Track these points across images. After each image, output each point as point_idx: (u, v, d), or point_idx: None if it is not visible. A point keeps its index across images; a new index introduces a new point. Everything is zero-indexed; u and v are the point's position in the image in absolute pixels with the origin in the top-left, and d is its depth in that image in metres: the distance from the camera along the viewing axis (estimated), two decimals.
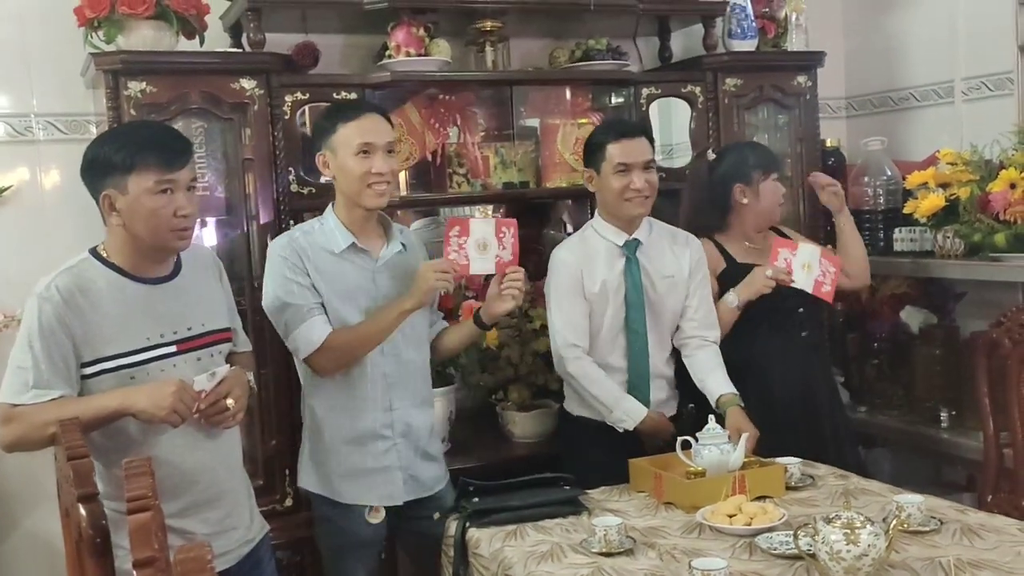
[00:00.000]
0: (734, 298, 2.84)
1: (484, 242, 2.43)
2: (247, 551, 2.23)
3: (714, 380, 2.74)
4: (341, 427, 2.44)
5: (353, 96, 2.89)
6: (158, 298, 2.10)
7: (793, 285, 2.80)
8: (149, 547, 1.38)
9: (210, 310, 2.20)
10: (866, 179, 3.49)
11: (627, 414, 2.69)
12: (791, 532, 2.01)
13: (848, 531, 1.77)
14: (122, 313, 2.04)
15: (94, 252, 2.10)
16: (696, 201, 3.06)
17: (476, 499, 2.36)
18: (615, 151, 2.68)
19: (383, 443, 2.46)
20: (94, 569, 1.63)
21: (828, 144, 3.59)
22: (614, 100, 3.41)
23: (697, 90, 3.31)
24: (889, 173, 3.47)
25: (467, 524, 2.27)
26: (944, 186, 3.15)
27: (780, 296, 2.84)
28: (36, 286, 2.04)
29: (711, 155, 3.07)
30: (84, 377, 2.03)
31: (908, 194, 3.36)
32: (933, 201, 3.11)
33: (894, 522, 1.85)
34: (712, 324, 2.83)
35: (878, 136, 3.57)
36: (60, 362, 2.00)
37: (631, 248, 2.76)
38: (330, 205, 2.49)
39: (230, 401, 2.10)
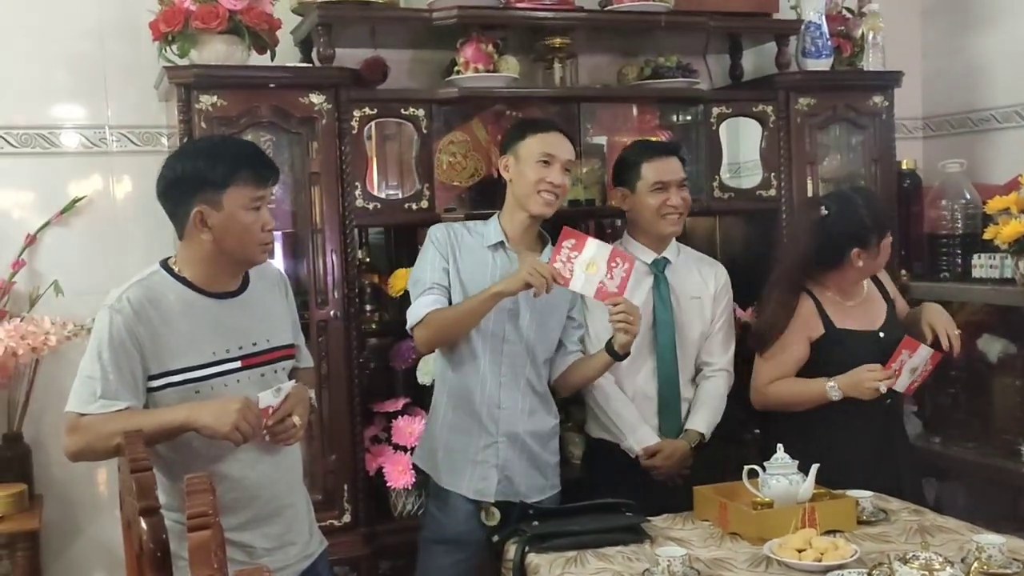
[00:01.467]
0: (837, 393, 2.62)
1: (595, 264, 2.40)
2: (305, 566, 2.23)
3: (695, 413, 2.78)
4: (453, 414, 2.55)
5: (421, 112, 2.89)
6: (225, 313, 2.12)
7: (896, 388, 2.64)
8: (209, 566, 1.37)
9: (275, 326, 2.22)
10: (944, 202, 3.37)
11: (638, 442, 2.69)
12: (864, 571, 1.94)
13: (927, 573, 1.70)
14: (190, 327, 2.06)
15: (165, 265, 2.13)
16: (802, 257, 2.77)
17: (536, 523, 2.32)
18: (651, 170, 2.72)
19: (486, 438, 2.53)
20: None
21: (904, 166, 3.49)
22: (683, 118, 3.35)
23: (769, 109, 3.24)
24: (968, 196, 3.35)
25: (526, 548, 2.23)
26: None
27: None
28: (108, 297, 2.05)
29: (823, 212, 2.76)
30: (150, 390, 2.04)
31: (988, 219, 3.24)
32: (1015, 227, 2.99)
33: (975, 564, 1.76)
34: (725, 351, 2.84)
35: (956, 159, 3.46)
36: (128, 374, 2.01)
37: (659, 266, 2.78)
38: (497, 212, 2.62)
39: (296, 418, 2.10)
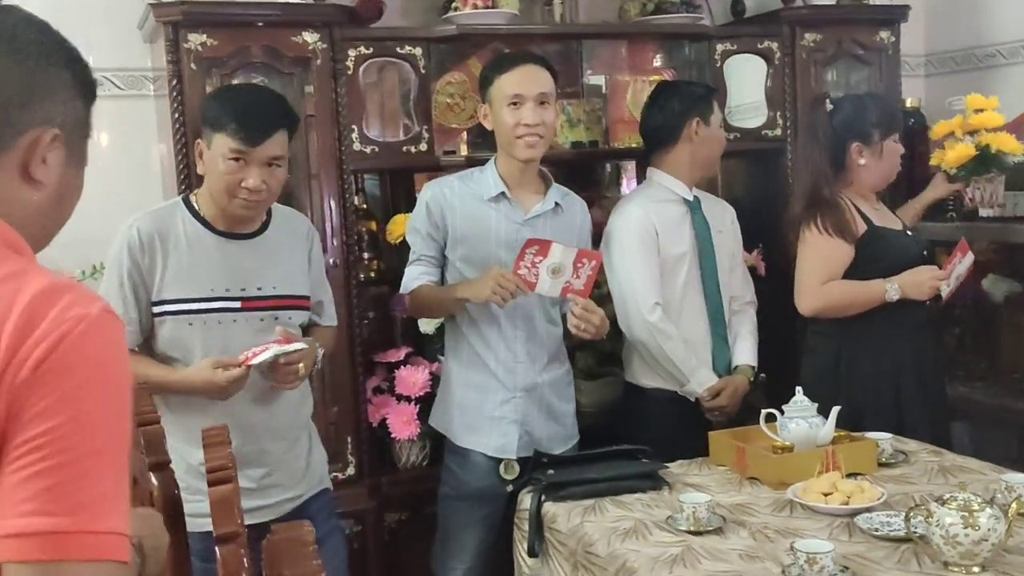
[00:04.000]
0: (896, 292, 2.59)
1: (560, 268, 2.33)
2: (290, 508, 2.23)
3: (739, 348, 2.75)
4: (468, 372, 2.48)
5: (418, 51, 2.78)
6: (233, 253, 2.14)
7: (942, 292, 2.66)
8: (232, 521, 1.30)
9: (286, 275, 2.20)
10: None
11: (700, 384, 2.62)
12: (893, 512, 1.90)
13: (966, 514, 1.65)
14: (192, 261, 2.11)
15: (186, 199, 2.19)
16: (811, 157, 2.74)
17: (551, 471, 2.27)
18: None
19: (504, 393, 2.46)
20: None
21: (908, 104, 3.42)
22: (686, 56, 3.26)
23: (774, 46, 3.15)
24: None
25: (542, 497, 2.18)
26: (973, 134, 3.01)
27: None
28: (124, 223, 2.15)
29: (829, 105, 2.74)
30: (154, 316, 2.12)
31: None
32: (962, 150, 2.96)
33: (1014, 504, 1.72)
34: (749, 284, 2.83)
35: (961, 96, 3.38)
36: (132, 300, 2.10)
37: (697, 203, 2.72)
38: (493, 157, 2.51)
39: (300, 366, 2.12)
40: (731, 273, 2.79)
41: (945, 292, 2.66)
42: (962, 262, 2.69)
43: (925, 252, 2.74)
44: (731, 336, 2.77)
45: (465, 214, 2.44)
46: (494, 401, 2.47)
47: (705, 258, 2.70)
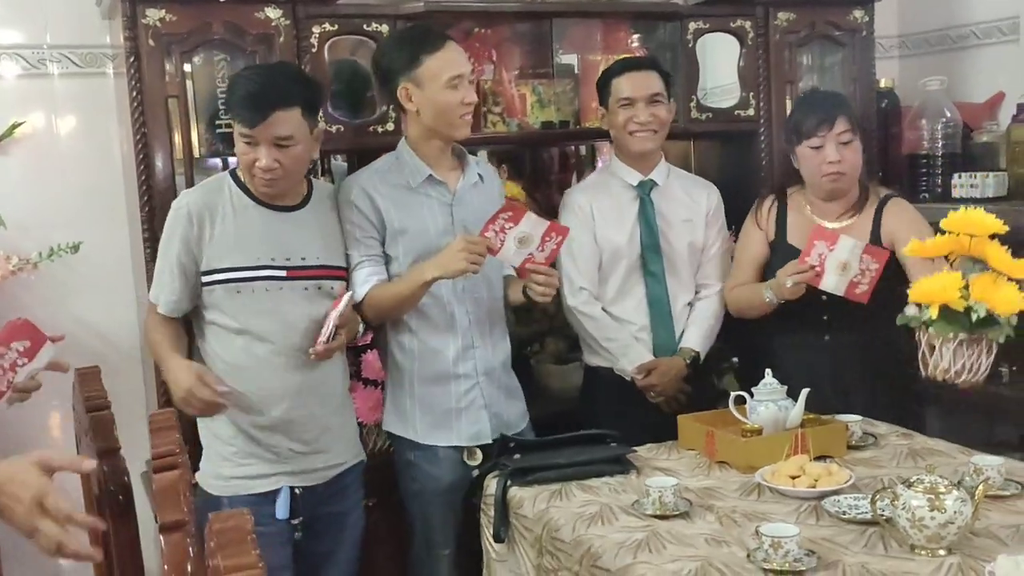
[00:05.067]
0: (771, 296, 2.53)
1: (528, 239, 2.30)
2: (333, 475, 2.32)
3: (689, 332, 2.71)
4: (423, 368, 2.41)
5: (384, 28, 2.72)
6: (278, 224, 2.24)
7: (821, 287, 2.43)
8: (178, 509, 1.26)
9: (328, 245, 2.31)
10: (923, 122, 3.29)
11: (631, 362, 2.62)
12: (860, 496, 1.88)
13: (932, 496, 1.63)
14: (239, 231, 2.21)
15: (233, 172, 2.29)
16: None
17: (517, 456, 2.24)
18: (619, 85, 2.65)
19: (466, 382, 2.41)
20: (116, 533, 1.52)
21: (882, 85, 3.39)
22: (658, 35, 3.21)
23: (747, 25, 3.10)
24: (948, 115, 3.26)
25: (508, 482, 2.15)
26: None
27: (806, 296, 2.48)
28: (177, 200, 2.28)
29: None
30: (204, 284, 2.22)
31: (968, 138, 3.16)
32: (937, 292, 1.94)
33: (980, 486, 1.70)
34: (721, 274, 2.77)
35: (934, 76, 3.36)
36: (179, 273, 2.22)
37: (645, 189, 2.70)
38: (403, 139, 2.44)
39: (342, 334, 2.24)
40: (703, 259, 2.75)
41: (832, 286, 2.41)
42: (836, 249, 2.40)
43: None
44: (687, 321, 2.73)
45: (396, 204, 2.37)
46: (458, 392, 2.41)
47: (649, 248, 2.67)
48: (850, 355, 2.62)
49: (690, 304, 2.75)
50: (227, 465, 2.24)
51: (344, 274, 2.33)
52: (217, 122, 2.60)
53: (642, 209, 2.69)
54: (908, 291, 1.99)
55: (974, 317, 1.86)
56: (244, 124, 2.14)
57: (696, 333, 2.71)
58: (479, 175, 2.48)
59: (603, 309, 2.67)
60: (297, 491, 2.26)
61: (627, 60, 2.83)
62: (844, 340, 2.61)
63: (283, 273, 2.22)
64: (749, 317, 2.68)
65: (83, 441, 1.77)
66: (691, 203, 2.75)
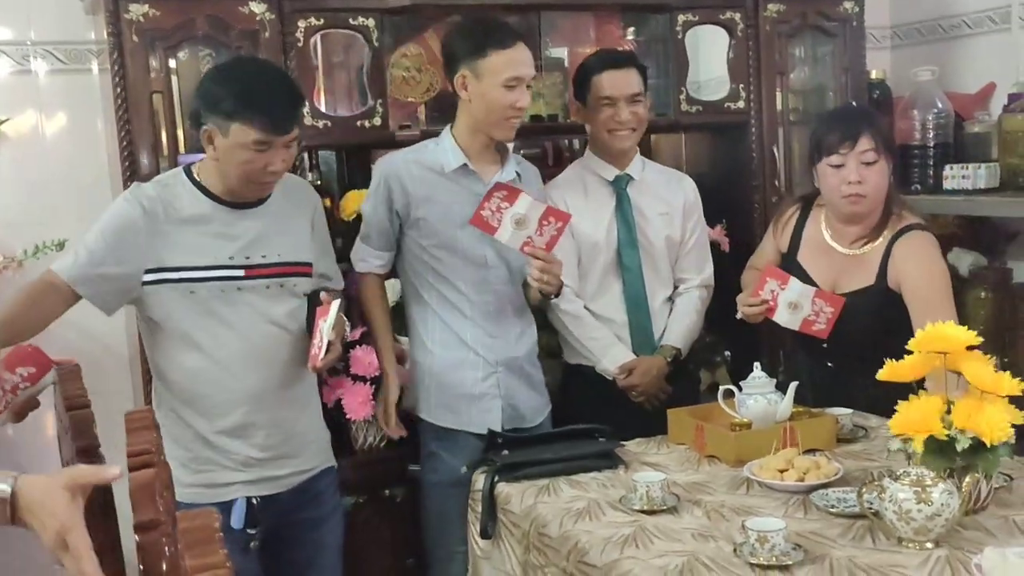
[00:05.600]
0: (740, 314, 2.52)
1: (524, 220, 2.28)
2: (299, 482, 2.24)
3: (670, 329, 2.69)
4: (443, 351, 2.43)
5: (371, 22, 2.70)
6: (236, 222, 2.13)
7: (775, 320, 2.42)
8: (153, 508, 1.25)
9: (290, 242, 2.19)
10: (915, 112, 3.27)
11: (612, 361, 2.60)
12: (849, 489, 1.87)
13: (919, 489, 1.62)
14: (195, 231, 2.09)
15: (187, 171, 2.14)
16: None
17: (505, 452, 2.22)
18: (600, 83, 2.60)
19: (484, 369, 2.42)
20: (96, 533, 1.50)
21: (874, 75, 3.38)
22: (647, 27, 3.19)
23: (737, 16, 3.08)
24: (940, 106, 3.25)
25: (496, 478, 2.14)
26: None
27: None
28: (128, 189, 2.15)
29: None
30: (144, 283, 2.07)
31: (960, 128, 3.14)
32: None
33: (968, 479, 1.69)
34: (701, 267, 2.75)
35: (926, 67, 3.35)
36: (113, 263, 2.05)
37: (621, 184, 2.67)
38: (448, 126, 2.44)
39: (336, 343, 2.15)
40: (681, 252, 2.73)
41: (784, 321, 2.41)
42: (786, 290, 2.40)
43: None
44: (669, 318, 2.71)
45: (424, 188, 2.39)
46: (475, 378, 2.42)
47: (625, 245, 2.64)
48: (854, 380, 2.44)
49: (670, 299, 2.73)
50: (185, 471, 2.12)
51: (309, 270, 2.25)
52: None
53: (619, 204, 2.66)
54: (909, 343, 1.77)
55: (959, 448, 1.63)
56: (267, 131, 2.00)
57: (677, 330, 2.68)
58: (517, 172, 2.46)
59: (585, 307, 2.65)
60: (255, 501, 2.17)
61: (605, 56, 2.75)
62: (848, 366, 2.47)
63: (241, 272, 2.12)
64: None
65: (64, 440, 1.75)
66: (667, 196, 2.72)
